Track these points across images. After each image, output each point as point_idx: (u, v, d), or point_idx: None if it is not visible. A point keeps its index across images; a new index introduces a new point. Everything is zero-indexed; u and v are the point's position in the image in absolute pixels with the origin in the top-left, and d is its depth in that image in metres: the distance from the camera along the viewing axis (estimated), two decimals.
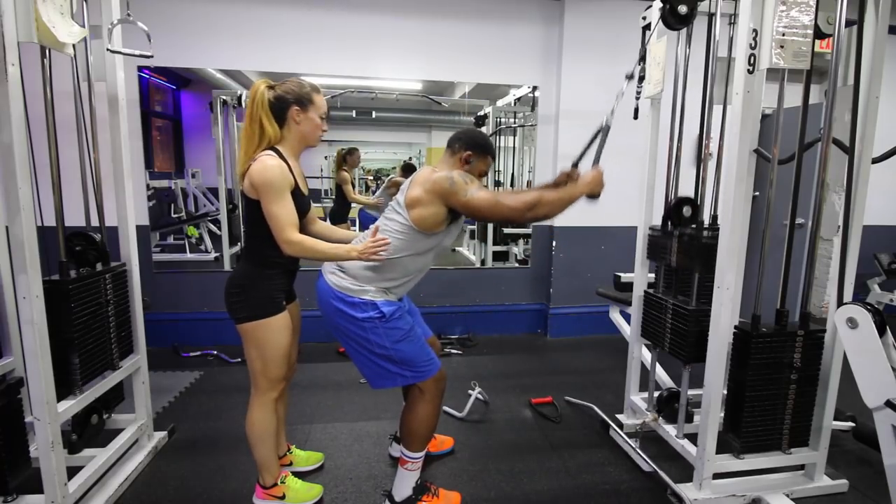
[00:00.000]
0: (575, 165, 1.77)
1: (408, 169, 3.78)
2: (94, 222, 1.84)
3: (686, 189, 2.10)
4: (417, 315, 1.87)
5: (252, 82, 3.23)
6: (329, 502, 1.80)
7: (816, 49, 1.51)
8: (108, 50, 1.80)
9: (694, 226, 1.99)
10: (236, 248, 3.52)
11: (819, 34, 1.51)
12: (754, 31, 1.50)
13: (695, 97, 2.04)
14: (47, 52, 1.57)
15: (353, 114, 3.61)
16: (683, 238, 1.95)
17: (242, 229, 3.39)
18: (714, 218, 2.12)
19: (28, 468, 1.61)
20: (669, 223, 2.05)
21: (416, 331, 1.65)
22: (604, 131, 1.78)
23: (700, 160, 2.09)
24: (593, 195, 1.64)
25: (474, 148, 1.66)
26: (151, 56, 1.84)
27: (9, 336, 1.66)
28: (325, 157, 3.97)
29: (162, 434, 2.14)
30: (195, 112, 3.35)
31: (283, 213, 1.47)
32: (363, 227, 1.70)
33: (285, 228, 1.47)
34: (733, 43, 1.88)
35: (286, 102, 1.54)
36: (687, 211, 2.02)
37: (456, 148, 1.67)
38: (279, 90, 1.54)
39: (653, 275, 2.23)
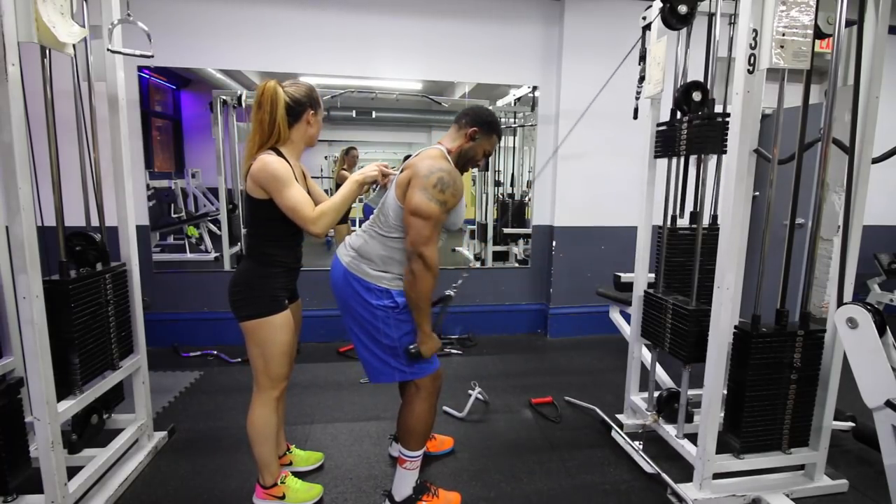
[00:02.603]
0: (433, 328, 1.68)
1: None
2: (94, 222, 1.84)
3: (686, 188, 2.10)
4: None
5: (252, 82, 3.27)
6: (329, 502, 1.80)
7: (816, 49, 1.51)
8: (108, 50, 1.80)
9: (704, 109, 1.92)
10: (236, 248, 3.52)
11: (819, 34, 1.51)
12: (754, 31, 1.50)
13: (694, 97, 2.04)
14: (47, 52, 1.57)
15: (353, 114, 3.61)
16: (694, 123, 1.88)
17: (243, 229, 3.40)
18: (714, 218, 2.12)
19: (28, 468, 1.61)
20: (678, 112, 1.98)
21: None
22: (446, 302, 1.77)
23: (700, 160, 2.09)
24: (418, 351, 1.58)
25: (481, 125, 1.64)
26: (151, 56, 1.84)
27: (9, 336, 1.66)
28: (325, 157, 3.97)
29: (162, 434, 2.13)
30: (195, 112, 3.35)
31: (297, 198, 1.48)
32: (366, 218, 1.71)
33: (305, 210, 1.48)
34: (733, 43, 1.89)
35: (303, 105, 1.56)
36: (697, 96, 1.94)
37: (462, 123, 1.66)
38: (295, 93, 1.55)
39: (653, 275, 2.23)
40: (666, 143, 2.04)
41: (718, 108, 1.96)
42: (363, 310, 1.58)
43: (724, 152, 1.66)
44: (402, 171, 1.58)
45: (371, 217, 1.67)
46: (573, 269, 3.66)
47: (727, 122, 1.68)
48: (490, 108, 3.65)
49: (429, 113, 3.67)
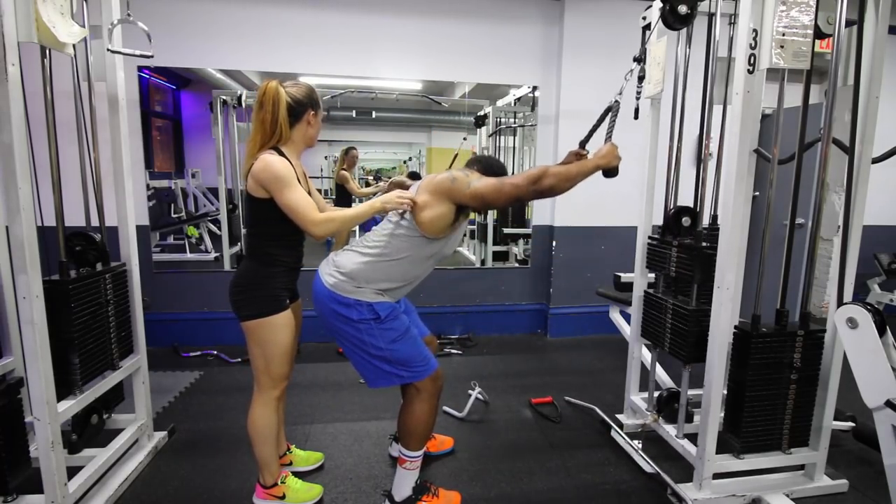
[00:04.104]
0: (582, 146, 1.74)
1: (414, 177, 3.79)
2: (94, 222, 1.84)
3: (686, 188, 2.10)
4: (413, 314, 1.87)
5: (252, 82, 3.27)
6: (329, 502, 1.80)
7: (816, 49, 1.51)
8: (108, 50, 1.80)
9: (692, 237, 1.96)
10: (236, 248, 3.52)
11: (819, 34, 1.51)
12: (754, 31, 1.50)
13: (695, 97, 2.04)
14: (47, 52, 1.57)
15: (353, 114, 3.61)
16: (683, 248, 1.94)
17: (243, 229, 3.40)
18: (714, 218, 2.12)
19: (28, 468, 1.61)
20: (668, 233, 2.05)
21: (411, 331, 1.65)
22: (613, 110, 1.73)
23: (700, 160, 2.09)
24: (610, 169, 1.59)
25: (490, 174, 1.67)
26: (151, 56, 1.84)
27: (9, 336, 1.66)
28: (325, 157, 3.97)
29: (162, 434, 2.14)
30: (195, 112, 3.35)
31: (299, 200, 1.48)
32: (364, 230, 1.69)
33: (307, 213, 1.48)
34: (733, 43, 1.89)
35: (304, 106, 1.56)
36: (686, 221, 2.02)
37: (473, 168, 1.69)
38: (296, 93, 1.55)
39: (653, 275, 2.23)
40: (655, 259, 2.12)
41: (719, 103, 1.97)
42: (346, 326, 1.58)
43: (711, 282, 1.70)
44: (415, 196, 1.58)
45: (367, 236, 1.65)
46: (573, 269, 3.66)
47: (714, 253, 1.71)
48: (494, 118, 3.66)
49: (429, 113, 3.67)
